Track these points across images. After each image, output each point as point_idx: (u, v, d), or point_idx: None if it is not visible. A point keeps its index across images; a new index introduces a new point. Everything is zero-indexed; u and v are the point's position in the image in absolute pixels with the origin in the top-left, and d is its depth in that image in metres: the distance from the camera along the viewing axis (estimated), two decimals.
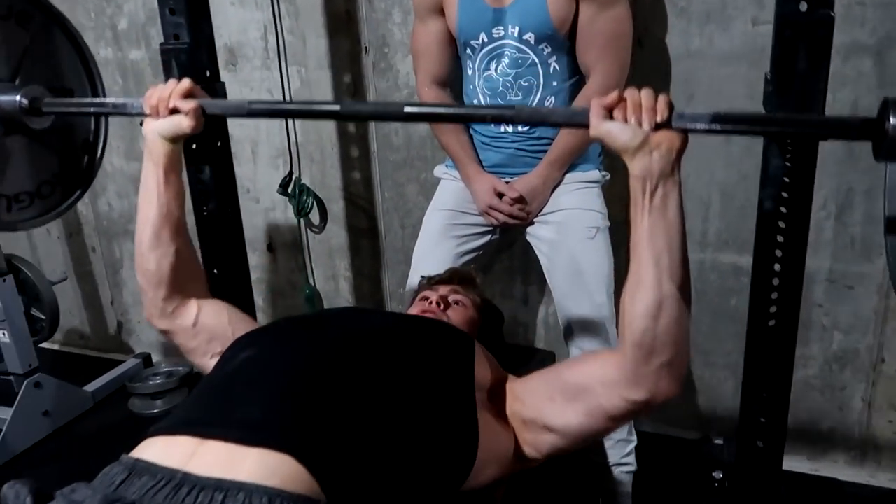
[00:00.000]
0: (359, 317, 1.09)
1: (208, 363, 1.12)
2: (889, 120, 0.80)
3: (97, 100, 1.40)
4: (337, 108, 1.06)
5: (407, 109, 1.03)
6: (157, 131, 1.10)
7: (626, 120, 0.86)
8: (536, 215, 1.62)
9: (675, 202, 0.87)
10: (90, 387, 2.39)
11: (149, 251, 1.12)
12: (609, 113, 0.87)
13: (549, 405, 0.98)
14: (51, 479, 0.80)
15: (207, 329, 1.14)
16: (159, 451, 0.79)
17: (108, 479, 0.77)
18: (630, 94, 0.87)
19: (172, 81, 1.12)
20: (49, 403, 2.19)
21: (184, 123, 1.09)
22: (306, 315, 1.14)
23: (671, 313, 0.88)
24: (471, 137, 1.66)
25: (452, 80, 1.68)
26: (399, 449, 0.86)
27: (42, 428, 2.17)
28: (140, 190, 1.15)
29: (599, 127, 0.87)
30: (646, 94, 0.87)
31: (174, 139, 1.11)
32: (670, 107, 0.86)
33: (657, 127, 0.85)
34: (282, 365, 0.91)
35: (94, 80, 1.65)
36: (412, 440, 0.88)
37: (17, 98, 1.34)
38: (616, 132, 0.86)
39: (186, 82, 1.11)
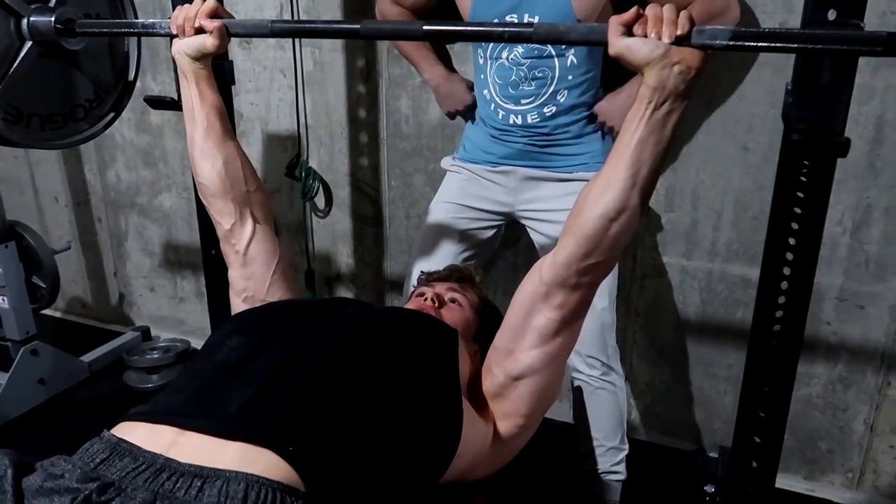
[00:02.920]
0: (346, 308, 1.07)
1: (238, 303, 1.18)
2: None
3: (127, 20, 1.49)
4: (357, 27, 1.09)
5: (426, 28, 1.04)
6: (184, 50, 1.14)
7: (646, 35, 0.85)
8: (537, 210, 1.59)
9: (674, 121, 0.88)
10: (87, 357, 2.39)
11: (198, 162, 1.18)
12: (628, 29, 0.86)
13: (510, 357, 1.01)
14: (42, 446, 0.81)
15: (254, 265, 1.18)
16: (141, 436, 0.79)
17: (89, 456, 0.77)
18: (651, 9, 0.86)
19: (198, 1, 1.14)
20: (45, 371, 2.20)
21: (208, 42, 1.12)
22: (294, 302, 1.12)
23: (627, 222, 0.91)
24: (432, 49, 1.74)
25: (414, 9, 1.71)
26: (380, 441, 0.85)
27: (37, 395, 2.18)
28: (183, 111, 1.21)
29: (618, 43, 0.86)
30: (668, 8, 0.85)
31: (200, 58, 1.15)
32: (691, 21, 0.84)
33: (678, 42, 0.84)
34: (265, 357, 0.90)
35: (127, 11, 1.69)
36: (394, 432, 0.87)
37: (52, 19, 1.38)
38: (636, 46, 0.85)
39: (211, 2, 1.14)
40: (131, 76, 1.70)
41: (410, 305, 1.25)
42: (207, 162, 1.17)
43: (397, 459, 0.86)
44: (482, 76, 1.57)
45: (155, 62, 2.35)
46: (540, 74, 1.48)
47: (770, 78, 1.61)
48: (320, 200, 2.23)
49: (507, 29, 1.01)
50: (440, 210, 1.69)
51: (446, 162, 1.75)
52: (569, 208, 1.56)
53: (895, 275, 1.65)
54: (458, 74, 1.81)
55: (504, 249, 2.02)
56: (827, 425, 1.83)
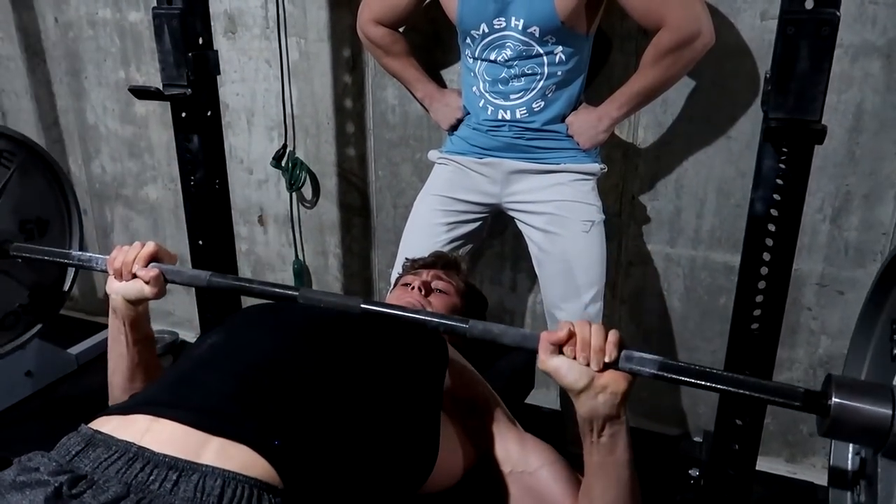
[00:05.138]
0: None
1: None
2: (832, 397, 0.76)
3: (63, 251, 1.40)
4: (295, 294, 1.03)
5: (363, 306, 0.99)
6: (120, 293, 1.08)
7: (574, 356, 0.84)
8: (530, 204, 1.60)
9: (622, 442, 0.87)
10: (74, 349, 2.38)
11: (122, 394, 1.12)
12: (559, 348, 0.85)
13: (520, 467, 1.00)
14: (29, 438, 0.81)
15: None
16: (115, 425, 0.79)
17: (65, 449, 0.77)
18: (580, 330, 0.84)
19: (137, 245, 1.10)
20: (32, 364, 2.19)
21: (146, 290, 1.06)
22: (279, 304, 1.11)
23: None
24: (420, 67, 1.77)
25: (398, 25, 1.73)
26: (359, 441, 0.85)
27: (24, 388, 2.17)
28: (109, 340, 1.14)
29: (547, 362, 0.85)
30: (595, 333, 0.84)
31: (136, 302, 1.08)
32: (620, 347, 0.84)
33: (605, 367, 0.83)
34: (248, 355, 0.90)
35: (71, 210, 1.74)
36: (374, 433, 0.87)
37: None
38: (564, 371, 0.84)
39: (150, 247, 1.09)
40: (66, 287, 1.74)
41: (395, 294, 1.26)
42: (127, 395, 1.10)
43: (376, 459, 0.86)
44: (472, 74, 1.58)
45: (139, 52, 2.33)
46: (529, 71, 1.49)
47: (751, 67, 1.63)
48: (307, 191, 2.23)
49: (443, 321, 0.96)
50: (427, 202, 1.70)
51: (433, 154, 1.76)
52: (555, 199, 1.60)
53: (874, 261, 1.68)
54: (448, 88, 1.83)
55: (491, 239, 2.03)
56: None
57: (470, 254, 1.75)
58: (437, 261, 1.37)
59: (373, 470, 0.85)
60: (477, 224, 1.69)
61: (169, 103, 1.61)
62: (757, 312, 1.20)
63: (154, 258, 1.09)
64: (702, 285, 1.87)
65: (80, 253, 1.22)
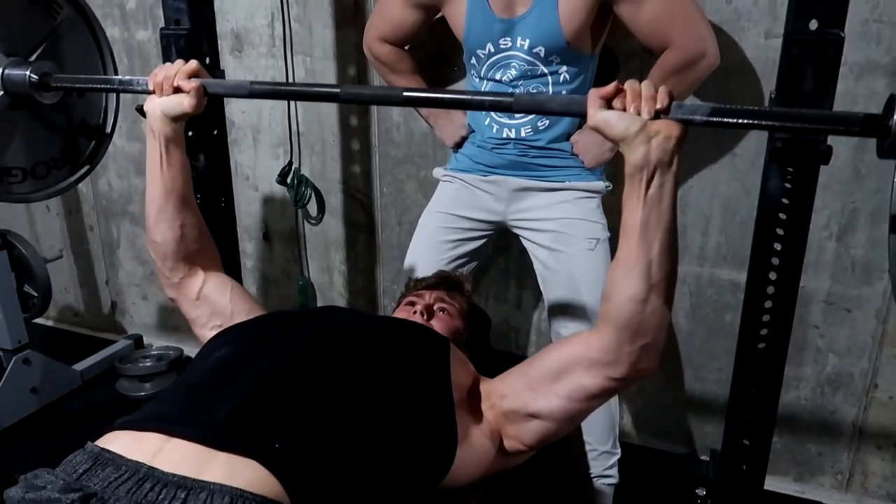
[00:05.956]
0: (336, 317, 1.08)
1: (207, 334, 1.16)
2: (894, 116, 0.77)
3: (104, 76, 1.47)
4: (337, 91, 1.07)
5: (406, 94, 1.03)
6: (160, 108, 1.12)
7: (624, 109, 0.85)
8: (534, 223, 1.60)
9: (670, 193, 0.86)
10: (79, 366, 2.38)
11: (155, 224, 1.16)
12: (607, 102, 0.86)
13: (532, 394, 0.99)
14: (34, 455, 0.81)
15: (209, 303, 1.17)
16: (125, 444, 0.79)
17: (72, 467, 0.77)
18: (630, 84, 0.86)
19: (179, 61, 1.14)
20: (37, 380, 2.19)
21: (185, 102, 1.10)
22: (285, 312, 1.12)
23: (659, 299, 0.89)
24: (424, 81, 1.74)
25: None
26: (373, 452, 0.85)
27: (29, 404, 2.17)
28: (146, 166, 1.18)
29: (597, 116, 0.86)
30: (646, 85, 0.85)
31: (175, 118, 1.13)
32: (670, 97, 0.85)
33: (656, 115, 0.84)
34: (254, 367, 0.90)
35: (108, 68, 1.70)
36: (386, 443, 0.87)
37: (27, 72, 1.38)
38: (614, 121, 0.85)
39: (193, 63, 1.13)
40: (108, 129, 1.70)
41: (399, 315, 1.26)
42: (166, 225, 1.15)
43: (386, 473, 0.86)
44: None
45: (147, 71, 2.35)
46: (534, 91, 1.50)
47: (755, 85, 1.64)
48: (312, 208, 2.24)
49: (486, 98, 1.01)
50: (432, 219, 1.71)
51: (438, 172, 1.76)
52: (560, 217, 1.60)
53: (881, 278, 1.67)
54: None
55: (496, 256, 2.03)
56: (816, 428, 1.85)
57: (474, 271, 1.75)
58: (440, 282, 1.37)
59: (385, 474, 0.85)
60: (482, 241, 1.69)
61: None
62: (764, 331, 1.19)
63: (195, 74, 1.12)
64: (708, 303, 1.86)
65: (120, 77, 1.25)
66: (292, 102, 2.11)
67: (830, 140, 1.07)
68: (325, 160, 2.19)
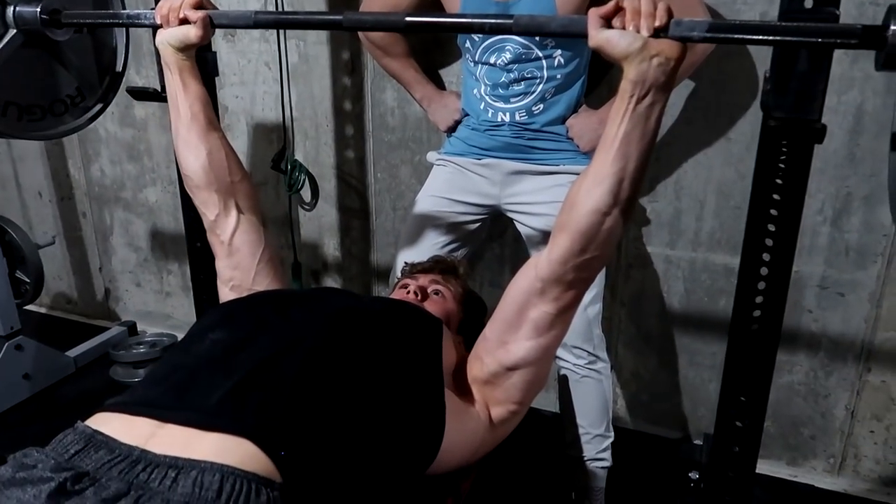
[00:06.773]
0: (328, 298, 1.08)
1: (225, 292, 1.18)
2: (891, 27, 0.77)
3: (112, 11, 1.50)
4: (339, 18, 1.08)
5: (408, 20, 1.04)
6: (167, 41, 1.14)
7: (624, 27, 0.86)
8: (526, 205, 1.60)
9: (658, 113, 0.88)
10: (73, 352, 2.38)
11: (183, 157, 1.18)
12: (607, 22, 0.87)
13: (503, 349, 1.01)
14: (27, 442, 0.80)
15: (238, 256, 1.19)
16: (117, 427, 0.79)
17: (62, 447, 0.77)
18: (629, 2, 0.86)
19: None
20: (30, 366, 2.18)
21: (191, 33, 1.12)
22: (278, 293, 1.12)
23: (620, 217, 0.92)
24: (420, 69, 1.77)
25: None
26: (363, 432, 0.85)
27: (22, 391, 2.16)
28: (168, 101, 1.21)
29: (598, 35, 0.87)
30: (646, 1, 0.86)
31: (183, 49, 1.15)
32: (669, 14, 0.85)
33: (656, 34, 0.85)
34: (247, 350, 0.90)
35: (115, 7, 1.68)
36: (377, 423, 0.87)
37: (38, 9, 1.38)
38: (615, 39, 0.86)
39: None
40: (119, 67, 1.69)
41: (394, 297, 1.26)
42: (191, 153, 1.17)
43: (378, 452, 0.86)
44: (473, 77, 1.58)
45: (138, 55, 2.33)
46: (528, 75, 1.49)
47: (750, 69, 1.63)
48: (306, 193, 2.23)
49: (487, 21, 1.02)
50: (426, 203, 1.69)
51: (432, 156, 1.75)
52: (554, 200, 1.58)
53: (875, 262, 1.67)
54: (447, 90, 1.84)
55: (490, 241, 2.03)
56: (809, 412, 1.86)
57: (469, 256, 1.74)
58: (434, 265, 1.36)
59: (375, 455, 0.86)
60: (476, 225, 1.69)
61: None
62: (757, 314, 1.18)
63: (200, 5, 1.14)
64: (702, 287, 1.86)
65: (128, 11, 1.25)
66: (286, 89, 2.09)
67: (825, 120, 1.06)
68: (318, 145, 2.18)
